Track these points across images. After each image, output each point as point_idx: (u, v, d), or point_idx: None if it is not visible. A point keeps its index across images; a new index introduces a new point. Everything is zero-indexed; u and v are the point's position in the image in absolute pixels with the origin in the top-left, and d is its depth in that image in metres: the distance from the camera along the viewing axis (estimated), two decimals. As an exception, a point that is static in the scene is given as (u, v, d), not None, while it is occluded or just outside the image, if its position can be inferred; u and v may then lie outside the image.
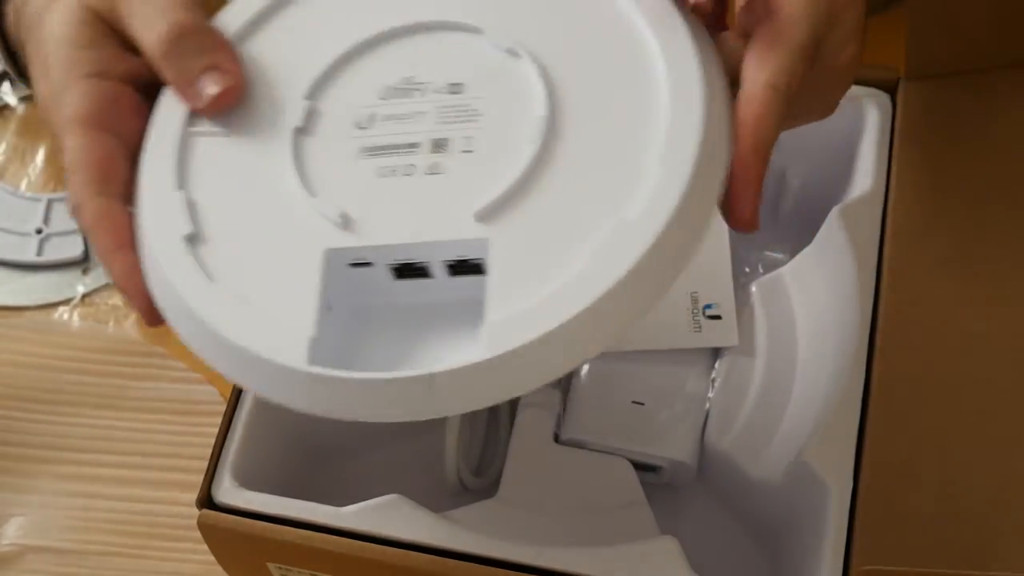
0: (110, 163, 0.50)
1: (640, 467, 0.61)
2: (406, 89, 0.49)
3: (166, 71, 0.51)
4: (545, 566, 0.54)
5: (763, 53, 0.48)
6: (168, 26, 0.50)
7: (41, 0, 0.53)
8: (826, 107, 0.53)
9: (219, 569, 0.60)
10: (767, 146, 0.47)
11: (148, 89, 0.53)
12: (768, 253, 0.65)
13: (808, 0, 0.48)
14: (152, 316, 0.49)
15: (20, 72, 0.59)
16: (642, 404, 0.62)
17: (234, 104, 0.50)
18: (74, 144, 0.50)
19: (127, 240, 0.49)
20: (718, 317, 0.63)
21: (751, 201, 0.47)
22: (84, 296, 0.76)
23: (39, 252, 0.73)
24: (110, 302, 0.76)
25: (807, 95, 0.49)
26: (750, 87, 0.47)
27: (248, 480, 0.57)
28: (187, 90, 0.51)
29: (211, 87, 0.50)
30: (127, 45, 0.52)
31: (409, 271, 0.47)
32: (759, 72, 0.47)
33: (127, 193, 0.50)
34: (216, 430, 0.58)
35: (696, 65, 0.47)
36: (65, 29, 0.52)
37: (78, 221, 0.51)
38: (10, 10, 0.58)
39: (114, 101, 0.52)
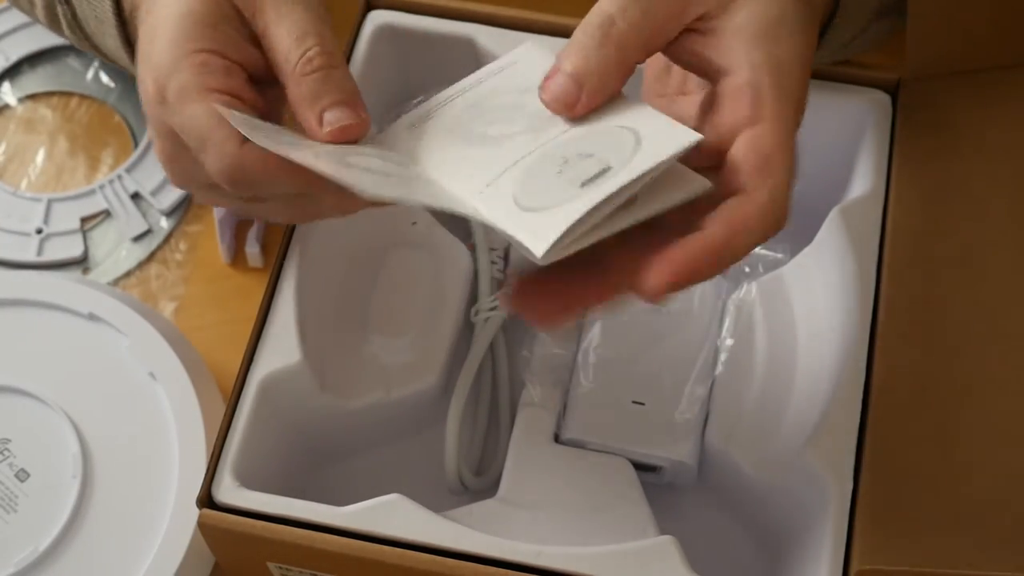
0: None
1: (640, 467, 0.61)
2: None
3: (296, 88, 0.52)
4: (545, 566, 0.54)
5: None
6: (314, 40, 0.52)
7: None
8: None
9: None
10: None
11: (256, 83, 0.54)
12: (768, 253, 0.65)
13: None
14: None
15: (128, 41, 0.59)
16: (642, 404, 0.62)
17: (354, 140, 0.52)
18: (198, 109, 0.51)
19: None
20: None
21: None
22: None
23: (39, 252, 0.72)
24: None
25: None
26: None
27: (248, 480, 0.57)
28: (309, 113, 0.52)
29: (341, 119, 0.52)
30: (250, 37, 0.53)
31: None
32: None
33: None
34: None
35: None
36: (194, 4, 0.53)
37: (243, 177, 0.51)
38: None
39: (227, 75, 0.52)
